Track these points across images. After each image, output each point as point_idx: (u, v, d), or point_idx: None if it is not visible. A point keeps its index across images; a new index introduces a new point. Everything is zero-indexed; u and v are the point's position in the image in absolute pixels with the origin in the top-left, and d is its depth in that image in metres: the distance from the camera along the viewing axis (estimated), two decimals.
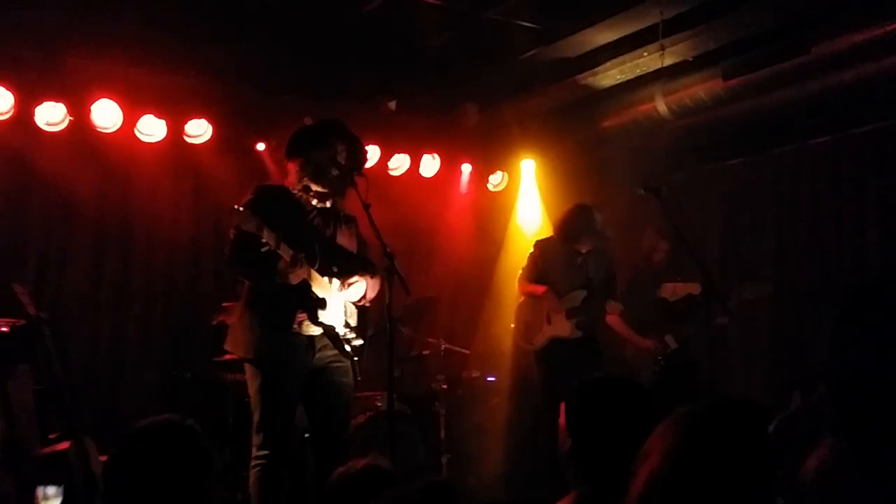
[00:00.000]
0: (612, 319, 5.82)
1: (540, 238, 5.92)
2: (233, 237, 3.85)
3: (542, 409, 5.56)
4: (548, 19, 5.84)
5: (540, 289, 5.57)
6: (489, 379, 6.94)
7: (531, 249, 5.79)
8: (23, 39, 5.59)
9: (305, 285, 3.89)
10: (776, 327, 6.43)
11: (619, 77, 6.36)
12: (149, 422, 2.12)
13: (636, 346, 5.87)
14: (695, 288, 5.20)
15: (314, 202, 4.10)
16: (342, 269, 4.07)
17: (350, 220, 4.23)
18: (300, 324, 3.94)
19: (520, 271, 5.77)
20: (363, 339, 4.15)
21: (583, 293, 5.52)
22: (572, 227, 5.56)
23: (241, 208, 3.70)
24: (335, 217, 4.16)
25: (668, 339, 5.68)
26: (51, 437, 4.12)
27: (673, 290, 5.41)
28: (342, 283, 4.05)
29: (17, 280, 4.43)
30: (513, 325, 5.90)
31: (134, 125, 6.04)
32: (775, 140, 6.60)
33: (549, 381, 5.44)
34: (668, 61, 5.98)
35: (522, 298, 5.78)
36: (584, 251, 5.56)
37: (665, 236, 5.92)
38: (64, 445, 3.99)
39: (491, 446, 6.49)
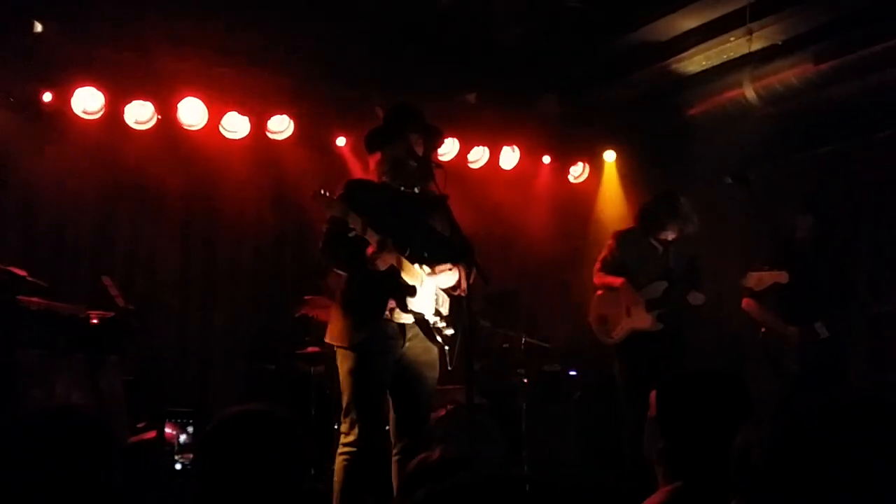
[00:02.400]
0: (749, 304, 5.38)
1: (619, 229, 5.73)
2: (326, 229, 3.92)
3: (624, 405, 5.40)
4: (629, 5, 5.72)
5: (617, 280, 5.39)
6: (571, 373, 6.85)
7: (609, 240, 5.61)
8: (112, 41, 5.76)
9: (394, 272, 3.88)
10: None
11: (704, 63, 6.20)
12: (243, 408, 2.13)
13: (777, 334, 5.31)
14: (781, 276, 4.97)
15: (402, 189, 4.11)
16: (433, 256, 4.06)
17: (441, 205, 4.18)
18: (391, 311, 3.95)
19: (596, 263, 5.59)
20: (454, 328, 4.12)
21: (663, 284, 5.32)
22: (656, 215, 5.34)
23: (326, 192, 3.73)
24: (426, 202, 4.13)
25: (818, 326, 5.13)
26: (139, 426, 4.24)
27: (759, 279, 5.10)
28: (432, 270, 4.04)
29: (106, 273, 4.56)
30: (589, 319, 5.68)
31: (218, 122, 6.18)
32: (871, 126, 6.31)
33: (630, 375, 5.28)
34: (756, 46, 5.80)
35: (600, 292, 5.60)
36: (669, 239, 5.35)
37: (806, 210, 5.40)
38: (151, 434, 4.09)
39: (572, 441, 6.40)
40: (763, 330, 5.43)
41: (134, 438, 4.20)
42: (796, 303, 5.15)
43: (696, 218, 5.30)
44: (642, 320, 5.32)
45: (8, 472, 2.09)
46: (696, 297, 5.21)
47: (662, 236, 5.35)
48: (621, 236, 5.56)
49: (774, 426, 1.29)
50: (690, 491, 1.98)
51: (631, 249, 5.44)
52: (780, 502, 1.23)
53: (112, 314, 4.16)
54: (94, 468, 2.17)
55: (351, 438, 3.91)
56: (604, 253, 5.57)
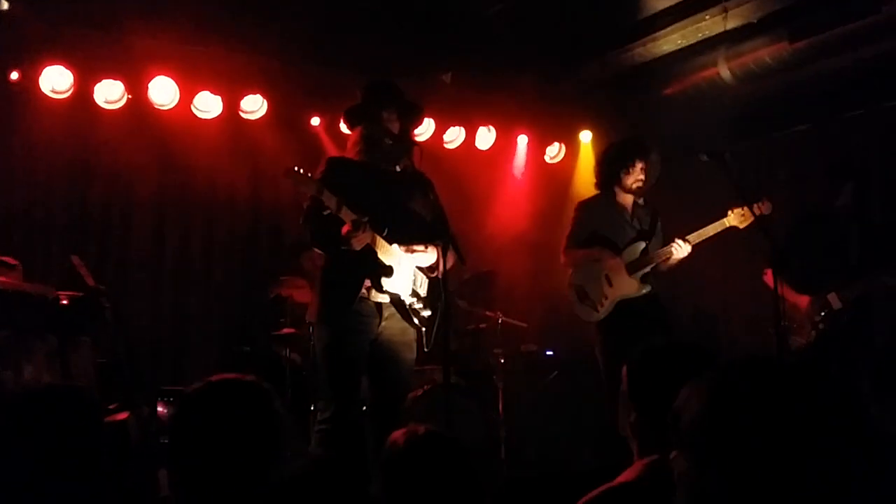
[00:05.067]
0: (769, 276, 4.73)
1: (581, 199, 5.38)
2: (306, 206, 3.89)
3: (608, 381, 4.91)
4: None
5: (592, 251, 5.05)
6: (547, 353, 6.86)
7: (573, 213, 5.24)
8: (81, 19, 5.66)
9: (369, 251, 3.86)
10: None
11: (680, 42, 6.17)
12: (210, 379, 2.09)
13: (793, 305, 4.87)
14: (764, 206, 4.72)
15: (382, 168, 4.07)
16: (411, 237, 4.03)
17: (425, 184, 4.13)
18: (368, 290, 3.94)
19: (563, 241, 5.19)
20: (432, 309, 4.09)
21: (640, 245, 5.05)
22: (617, 158, 5.05)
23: (300, 170, 3.69)
24: (407, 181, 4.09)
25: (832, 297, 4.84)
26: (110, 407, 4.18)
27: (741, 216, 4.79)
28: (407, 249, 4.02)
29: (78, 253, 4.49)
30: (569, 298, 5.27)
31: (190, 102, 6.11)
32: (846, 104, 6.35)
33: (615, 349, 4.86)
34: (731, 24, 5.80)
35: (570, 269, 5.22)
36: (641, 180, 4.99)
37: (845, 176, 5.06)
38: (123, 416, 4.04)
39: (549, 420, 6.42)
40: (789, 302, 4.88)
41: (106, 419, 4.14)
42: (814, 272, 4.92)
43: (655, 147, 5.05)
44: (628, 286, 5.00)
45: (4, 451, 2.07)
46: (679, 249, 4.89)
47: (632, 181, 5.01)
48: (585, 205, 5.24)
49: (705, 385, 1.30)
50: (665, 464, 1.98)
51: (598, 216, 5.13)
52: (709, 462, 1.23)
53: (81, 294, 4.09)
54: (88, 444, 2.15)
55: (327, 415, 3.91)
56: (571, 227, 5.19)
